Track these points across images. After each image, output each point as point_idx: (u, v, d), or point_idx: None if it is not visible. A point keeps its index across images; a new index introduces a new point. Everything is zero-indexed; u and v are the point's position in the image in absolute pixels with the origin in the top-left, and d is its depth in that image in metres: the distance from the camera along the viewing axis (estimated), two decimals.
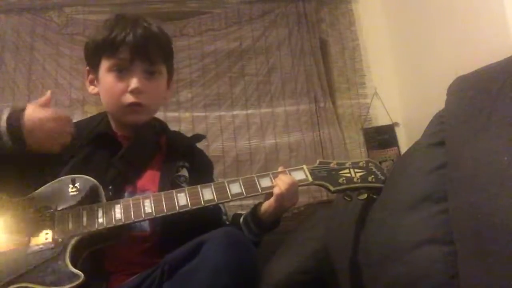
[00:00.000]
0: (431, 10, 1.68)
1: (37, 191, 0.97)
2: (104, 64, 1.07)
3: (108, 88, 1.08)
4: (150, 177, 1.09)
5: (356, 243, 1.17)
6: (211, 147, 2.00)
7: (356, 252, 1.16)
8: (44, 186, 0.98)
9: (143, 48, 1.06)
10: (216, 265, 0.78)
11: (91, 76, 1.14)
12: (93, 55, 1.10)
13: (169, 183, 1.05)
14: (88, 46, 1.12)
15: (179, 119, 2.04)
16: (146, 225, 1.02)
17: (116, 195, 0.99)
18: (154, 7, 2.14)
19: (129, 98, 1.06)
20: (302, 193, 1.89)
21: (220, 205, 1.14)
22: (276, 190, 0.99)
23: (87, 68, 1.14)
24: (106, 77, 1.07)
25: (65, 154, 1.04)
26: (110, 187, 1.01)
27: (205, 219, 1.02)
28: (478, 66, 1.00)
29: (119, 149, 1.08)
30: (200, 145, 1.27)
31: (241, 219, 1.09)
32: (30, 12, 2.09)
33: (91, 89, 1.14)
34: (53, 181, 0.98)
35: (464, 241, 0.88)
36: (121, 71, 1.06)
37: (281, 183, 1.00)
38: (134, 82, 1.05)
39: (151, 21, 1.11)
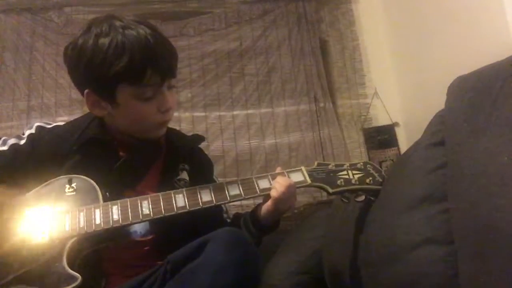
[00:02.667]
0: (431, 10, 1.67)
1: (33, 191, 0.96)
2: (127, 90, 0.98)
3: (137, 113, 1.01)
4: (149, 182, 1.07)
5: (356, 243, 1.17)
6: (211, 147, 1.99)
7: (356, 252, 1.16)
8: (40, 186, 0.96)
9: (171, 69, 1.02)
10: (219, 264, 0.78)
11: (95, 98, 1.02)
12: (105, 81, 0.97)
13: (169, 188, 1.03)
14: (94, 70, 0.97)
15: (179, 119, 2.04)
16: (147, 231, 1.01)
17: (114, 199, 0.96)
18: (154, 7, 2.14)
19: (160, 117, 1.03)
20: (302, 194, 1.92)
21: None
22: (273, 193, 0.99)
23: (87, 91, 1.01)
24: (132, 102, 1.00)
25: (53, 161, 1.02)
26: (107, 192, 0.98)
27: (206, 219, 1.01)
28: (478, 66, 1.00)
29: (113, 153, 1.06)
30: (200, 144, 1.26)
31: (241, 221, 1.08)
32: (30, 12, 2.08)
33: (98, 111, 1.04)
34: (49, 181, 0.97)
35: (464, 241, 0.88)
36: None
37: (278, 185, 0.99)
38: (167, 103, 1.02)
39: (156, 27, 1.02)
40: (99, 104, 1.03)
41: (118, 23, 0.98)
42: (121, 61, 0.94)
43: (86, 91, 1.01)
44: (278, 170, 1.06)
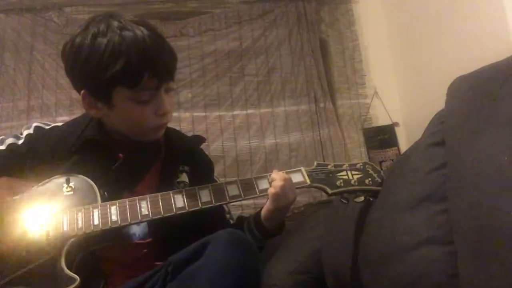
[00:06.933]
0: (431, 10, 1.67)
1: (30, 190, 0.95)
2: (123, 93, 0.96)
3: (134, 116, 1.00)
4: (148, 183, 1.06)
5: (356, 243, 1.17)
6: (211, 147, 1.99)
7: (356, 252, 1.16)
8: (38, 185, 0.96)
9: (169, 73, 1.00)
10: (220, 265, 0.77)
11: (91, 99, 1.00)
12: (102, 84, 0.95)
13: (169, 190, 1.00)
14: (90, 72, 0.96)
15: (179, 119, 2.03)
16: (145, 234, 1.00)
17: (112, 200, 0.95)
18: (154, 7, 2.14)
19: (157, 121, 1.01)
20: (302, 193, 1.91)
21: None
22: (270, 190, 0.99)
23: (83, 91, 0.99)
24: (129, 105, 0.98)
25: (51, 162, 1.01)
26: (105, 192, 0.97)
27: (209, 220, 1.00)
28: (478, 66, 1.00)
29: (112, 154, 1.05)
30: (200, 145, 1.25)
31: (245, 225, 1.07)
32: (30, 12, 2.08)
33: (94, 112, 1.03)
34: (46, 180, 0.96)
35: (464, 241, 0.88)
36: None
37: (274, 182, 0.99)
38: (164, 107, 0.99)
39: (154, 28, 1.00)
40: (95, 105, 1.01)
41: (115, 23, 0.96)
42: (117, 64, 0.92)
43: (82, 91, 1.00)
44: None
